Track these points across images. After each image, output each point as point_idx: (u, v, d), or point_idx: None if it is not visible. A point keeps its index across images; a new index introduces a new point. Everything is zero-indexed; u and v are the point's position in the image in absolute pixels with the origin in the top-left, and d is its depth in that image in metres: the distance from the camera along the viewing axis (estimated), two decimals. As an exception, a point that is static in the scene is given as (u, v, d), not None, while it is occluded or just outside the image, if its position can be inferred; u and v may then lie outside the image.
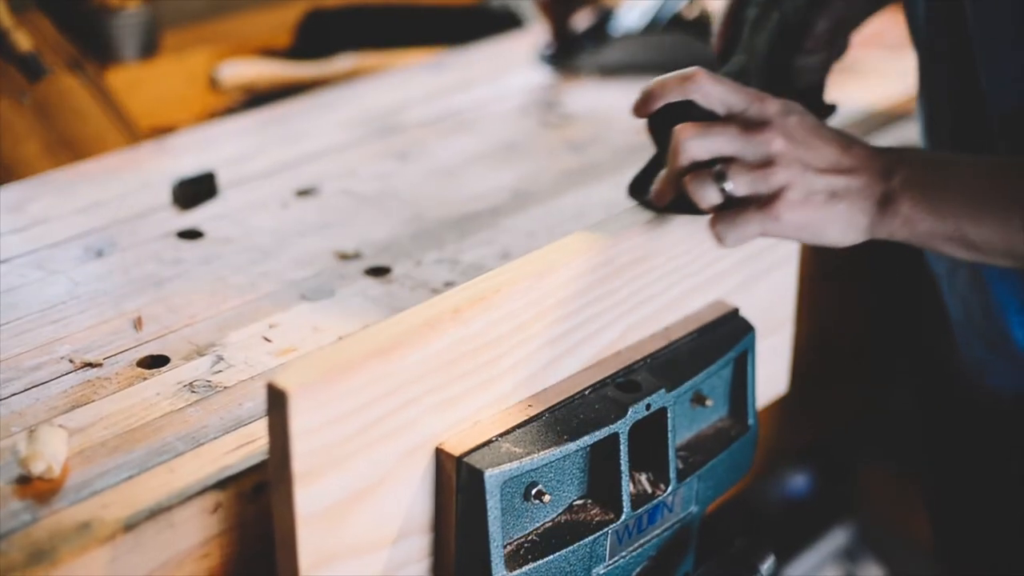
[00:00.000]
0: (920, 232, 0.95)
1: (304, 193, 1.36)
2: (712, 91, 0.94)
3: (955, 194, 0.94)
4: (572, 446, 0.92)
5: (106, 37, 1.81)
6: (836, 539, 2.15)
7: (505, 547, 0.91)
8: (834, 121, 1.48)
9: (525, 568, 0.91)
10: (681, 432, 1.03)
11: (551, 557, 0.93)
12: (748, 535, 1.05)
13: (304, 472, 0.82)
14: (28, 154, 1.66)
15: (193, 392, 1.01)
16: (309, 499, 0.83)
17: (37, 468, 0.90)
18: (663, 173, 0.97)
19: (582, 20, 1.70)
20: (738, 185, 0.92)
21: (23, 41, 1.62)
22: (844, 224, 0.94)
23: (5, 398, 1.00)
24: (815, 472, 2.17)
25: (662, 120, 0.97)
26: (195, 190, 1.33)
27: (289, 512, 0.83)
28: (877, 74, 1.65)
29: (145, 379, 1.03)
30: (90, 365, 1.04)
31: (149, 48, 1.84)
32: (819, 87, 1.16)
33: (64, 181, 1.39)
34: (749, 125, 0.93)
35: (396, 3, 2.02)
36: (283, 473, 0.82)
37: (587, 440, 0.93)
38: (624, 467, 0.95)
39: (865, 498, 2.25)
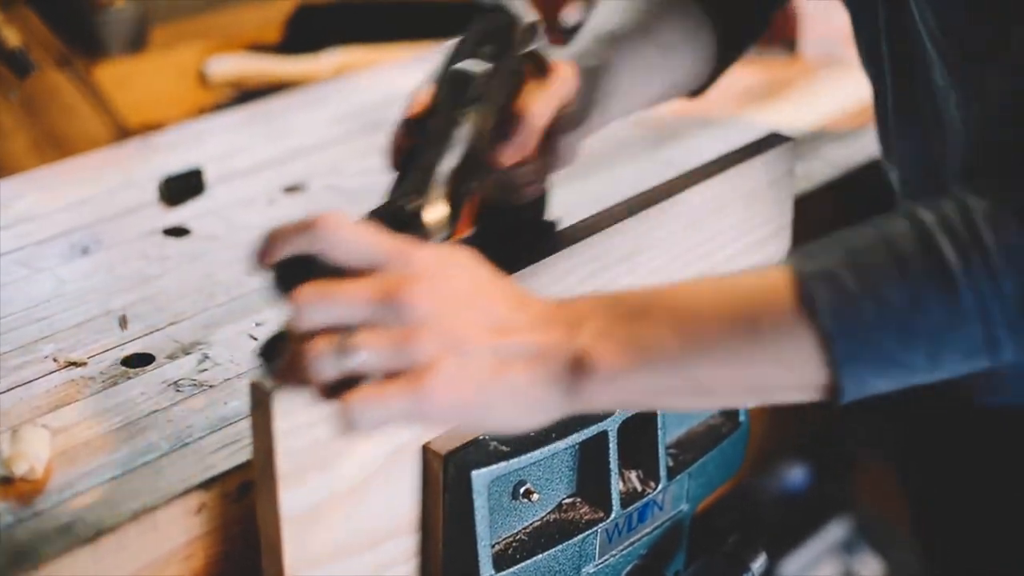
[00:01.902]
0: (640, 391, 0.75)
1: (291, 190, 1.35)
2: (342, 240, 0.72)
3: (669, 334, 0.74)
4: (560, 444, 0.91)
5: (95, 33, 1.80)
6: (833, 533, 2.14)
7: (493, 547, 0.90)
8: (821, 122, 1.47)
9: (514, 568, 0.91)
10: (671, 429, 1.02)
11: (540, 556, 0.92)
12: (740, 533, 1.04)
13: (289, 472, 0.81)
14: (15, 150, 1.65)
15: (178, 391, 1.00)
16: (294, 499, 0.82)
17: (20, 469, 0.89)
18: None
19: (573, 14, 1.69)
20: (370, 358, 0.70)
21: (11, 37, 1.62)
22: (524, 399, 0.74)
23: (-12, 398, 0.99)
24: (812, 467, 2.16)
25: (290, 273, 0.74)
26: (182, 187, 1.33)
27: (274, 513, 0.82)
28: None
29: (130, 378, 1.02)
30: (74, 364, 1.03)
31: (138, 44, 1.83)
32: (539, 202, 0.98)
33: (51, 178, 1.38)
34: (384, 286, 0.71)
35: (385, -2, 2.02)
36: (267, 473, 0.81)
37: (576, 438, 0.92)
38: (613, 465, 0.94)
39: (862, 492, 2.24)
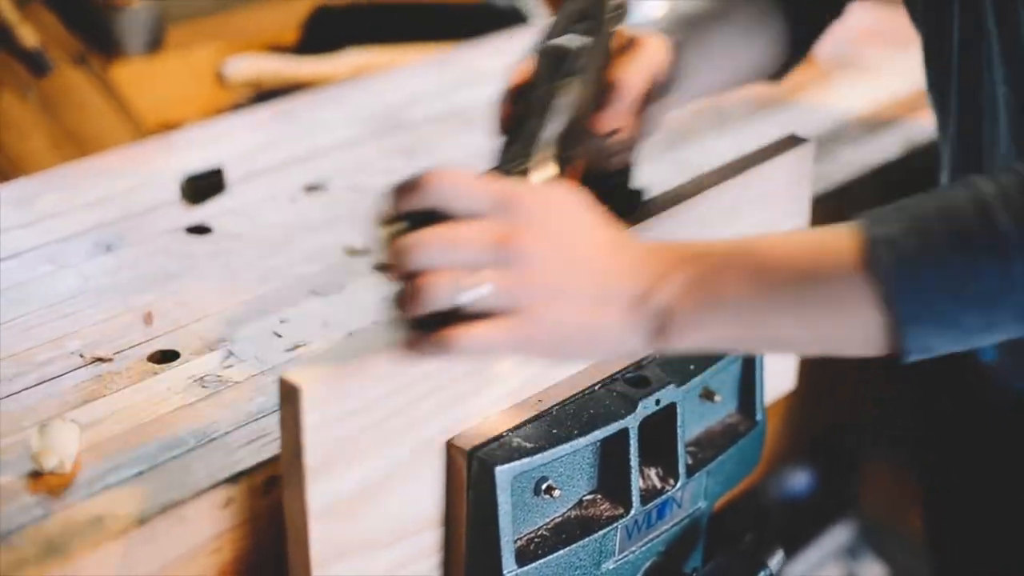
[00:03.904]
0: (717, 338, 0.81)
1: (312, 189, 1.36)
2: (452, 192, 0.78)
3: (747, 289, 0.80)
4: (582, 441, 0.92)
5: (112, 32, 1.81)
6: (837, 537, 2.15)
7: (515, 542, 0.91)
8: (835, 124, 1.49)
9: (535, 563, 0.91)
10: (690, 427, 1.03)
11: (561, 552, 0.93)
12: (757, 530, 1.05)
13: (316, 467, 0.82)
14: (34, 149, 1.66)
15: (204, 387, 1.01)
16: (321, 494, 0.83)
17: (49, 463, 0.90)
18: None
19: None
20: (486, 294, 0.77)
21: (29, 36, 1.63)
22: (613, 340, 0.81)
23: (16, 393, 1.00)
24: (817, 469, 2.17)
25: (412, 225, 0.79)
26: (203, 185, 1.33)
27: (301, 507, 0.83)
28: (882, 71, 1.65)
29: (156, 374, 1.03)
30: (100, 360, 1.05)
31: (155, 43, 1.84)
32: (626, 170, 1.03)
33: (72, 176, 1.39)
34: (497, 232, 0.78)
35: (403, 0, 2.03)
36: (295, 467, 0.82)
37: (597, 435, 0.93)
38: (634, 462, 0.95)
39: (867, 496, 2.25)
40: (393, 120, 1.54)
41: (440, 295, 0.76)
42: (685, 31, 1.08)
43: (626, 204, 1.00)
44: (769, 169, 1.06)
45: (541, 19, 1.96)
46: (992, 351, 1.16)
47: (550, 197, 0.81)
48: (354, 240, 1.25)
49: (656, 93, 1.02)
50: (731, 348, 0.86)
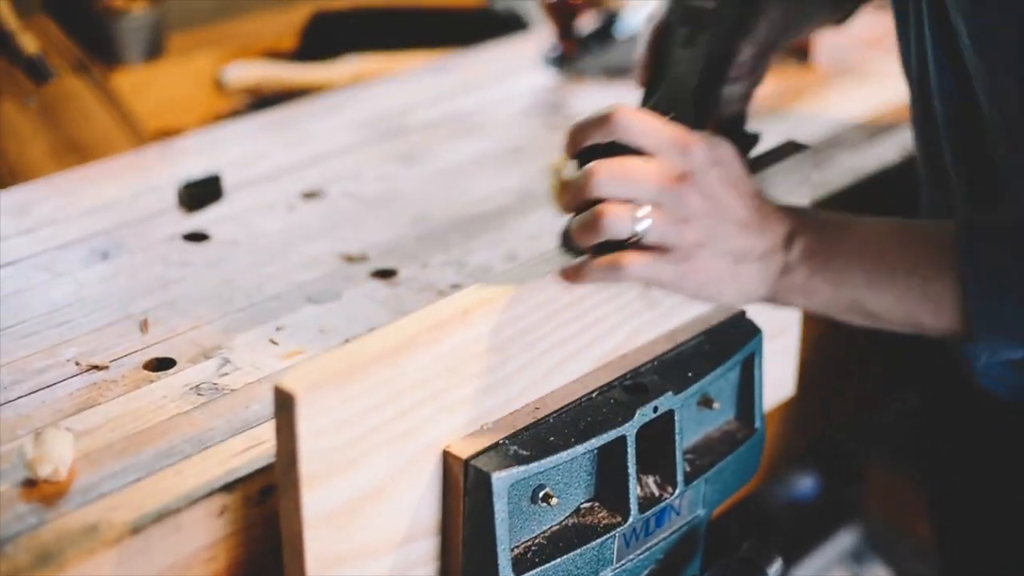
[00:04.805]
0: (818, 302, 0.94)
1: (310, 196, 1.36)
2: (635, 129, 0.89)
3: (853, 263, 0.93)
4: (579, 449, 0.92)
5: (112, 39, 1.81)
6: (842, 542, 2.15)
7: (512, 551, 0.91)
8: (834, 131, 1.48)
9: (532, 572, 0.91)
10: (688, 435, 1.03)
11: (558, 560, 0.92)
12: (756, 538, 1.04)
13: (311, 475, 0.82)
14: (34, 156, 1.66)
15: (199, 395, 1.01)
16: (316, 502, 0.83)
17: (43, 471, 0.89)
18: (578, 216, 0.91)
19: (587, 22, 1.70)
20: (653, 232, 0.88)
21: (29, 44, 1.63)
22: (742, 288, 0.93)
23: (11, 400, 1.00)
24: (821, 475, 2.17)
25: (591, 158, 0.90)
26: (201, 192, 1.33)
27: (296, 515, 0.83)
28: (881, 78, 1.64)
29: (151, 382, 1.03)
30: (96, 368, 1.04)
31: (155, 50, 1.84)
32: (741, 117, 1.14)
33: (70, 183, 1.39)
34: (669, 175, 0.88)
35: (401, 6, 2.03)
36: (290, 476, 0.82)
37: (594, 443, 0.92)
38: (631, 470, 0.95)
39: (871, 501, 2.25)
40: (391, 126, 1.54)
41: (618, 224, 0.87)
42: None
43: (745, 147, 1.09)
44: (769, 175, 1.06)
45: (540, 25, 1.95)
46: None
47: (715, 150, 0.90)
48: (351, 247, 1.25)
49: (765, 46, 1.13)
50: (834, 314, 0.96)
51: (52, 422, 0.97)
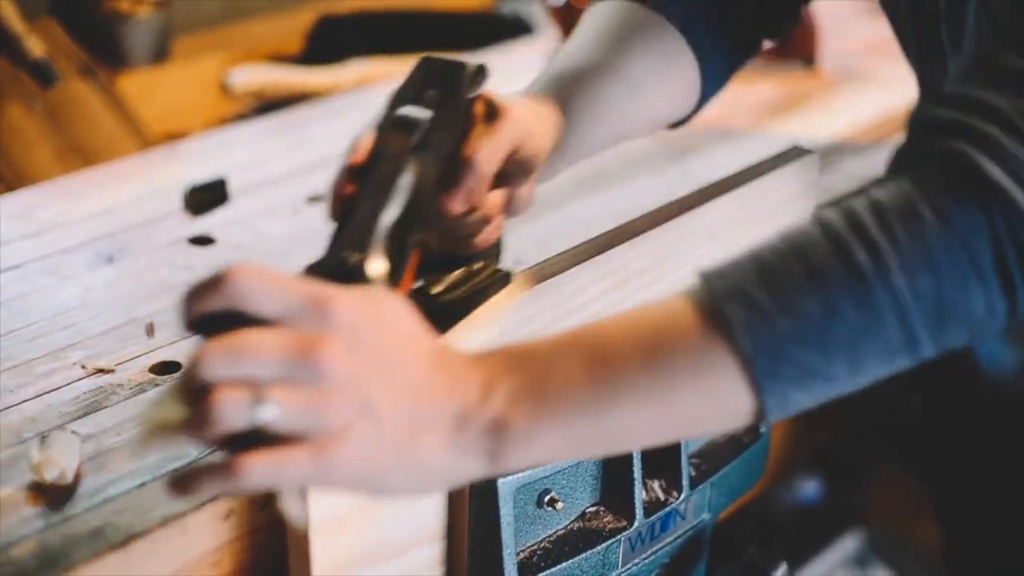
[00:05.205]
0: (558, 447, 0.72)
1: (315, 199, 1.36)
2: (254, 293, 0.68)
3: (581, 388, 0.71)
4: (585, 453, 0.92)
5: (118, 43, 1.81)
6: (846, 546, 2.14)
7: (518, 555, 0.91)
8: (839, 135, 1.48)
9: (538, 576, 0.91)
10: (694, 440, 1.03)
11: (564, 564, 0.93)
12: (761, 543, 1.05)
13: (317, 479, 0.82)
14: (39, 160, 1.66)
15: (205, 398, 1.01)
16: (322, 506, 0.83)
17: (50, 474, 0.90)
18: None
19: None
20: (282, 416, 0.67)
21: (35, 47, 1.63)
22: (438, 466, 0.70)
23: (17, 404, 1.00)
24: (825, 479, 2.16)
25: (214, 327, 0.70)
26: (206, 196, 1.34)
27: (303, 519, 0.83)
28: (886, 82, 1.64)
29: (157, 385, 1.03)
30: (102, 371, 1.04)
31: (160, 54, 1.84)
32: (493, 250, 0.96)
33: (75, 187, 1.39)
34: (299, 343, 0.67)
35: (407, 10, 2.03)
36: (296, 480, 0.82)
37: (600, 447, 0.92)
38: (637, 474, 0.95)
39: (875, 505, 2.24)
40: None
41: (229, 414, 0.66)
42: (562, 92, 0.99)
43: (491, 288, 0.93)
44: (774, 180, 1.06)
45: (546, 29, 1.96)
46: (1007, 355, 1.16)
47: (372, 306, 0.70)
48: (357, 251, 1.24)
49: (518, 169, 0.93)
50: (580, 455, 0.80)
51: (58, 425, 0.97)
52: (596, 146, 1.03)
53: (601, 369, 0.71)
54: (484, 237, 0.94)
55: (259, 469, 0.66)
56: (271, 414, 0.66)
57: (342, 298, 0.69)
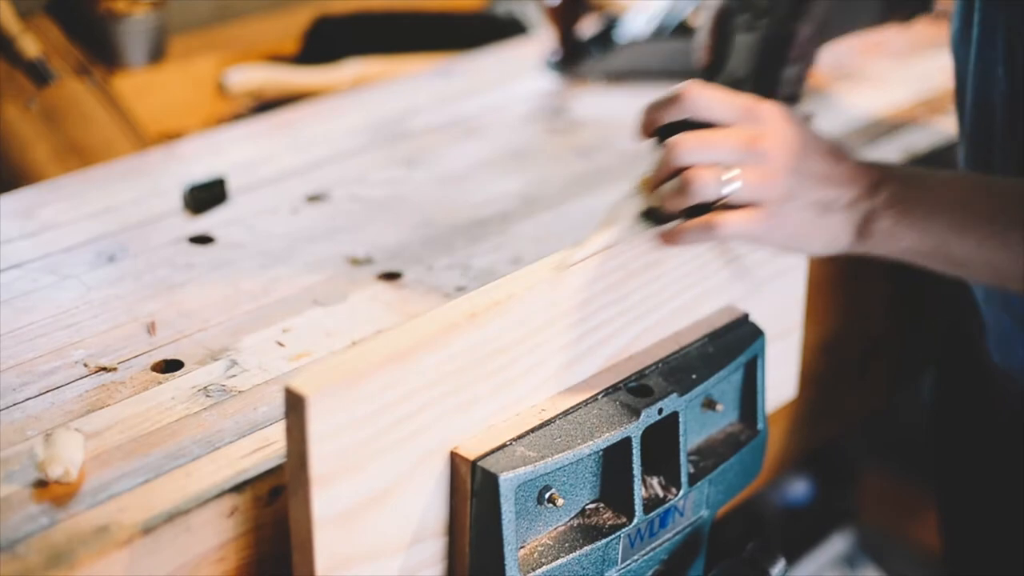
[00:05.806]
0: (903, 248, 0.97)
1: (314, 199, 1.37)
2: (706, 103, 0.94)
3: (937, 210, 0.96)
4: (585, 450, 0.92)
5: (114, 43, 1.81)
6: (836, 545, 2.16)
7: (519, 550, 0.91)
8: (836, 134, 1.49)
9: (538, 571, 0.92)
10: (692, 437, 1.03)
11: (564, 560, 0.93)
12: (759, 539, 1.05)
13: (321, 475, 0.82)
14: (36, 160, 1.67)
15: (208, 396, 1.01)
16: (326, 502, 0.83)
17: (54, 472, 0.90)
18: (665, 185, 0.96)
19: (588, 27, 1.71)
20: (743, 191, 0.93)
21: (30, 47, 1.63)
22: (829, 236, 0.97)
23: (20, 402, 1.00)
24: (815, 478, 2.17)
25: (667, 135, 0.96)
26: (206, 195, 1.34)
27: (306, 515, 0.83)
28: (882, 82, 1.65)
29: (160, 383, 1.03)
30: (104, 369, 1.05)
31: (156, 54, 1.84)
32: (795, 98, 1.21)
33: (74, 186, 1.40)
34: (748, 138, 0.94)
35: (403, 10, 2.03)
36: (300, 476, 0.83)
37: (600, 444, 0.93)
38: (636, 471, 0.96)
39: (865, 504, 2.25)
40: (394, 130, 1.54)
41: (707, 186, 0.92)
42: None
43: None
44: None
45: (541, 29, 1.96)
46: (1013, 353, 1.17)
47: (783, 112, 0.96)
48: (356, 250, 1.25)
49: (819, 29, 1.22)
50: (918, 260, 0.99)
51: (62, 423, 0.98)
52: (843, 21, 1.35)
53: (956, 205, 0.96)
54: (794, 89, 1.26)
55: (732, 222, 0.93)
56: (734, 187, 0.93)
57: (768, 107, 0.95)
